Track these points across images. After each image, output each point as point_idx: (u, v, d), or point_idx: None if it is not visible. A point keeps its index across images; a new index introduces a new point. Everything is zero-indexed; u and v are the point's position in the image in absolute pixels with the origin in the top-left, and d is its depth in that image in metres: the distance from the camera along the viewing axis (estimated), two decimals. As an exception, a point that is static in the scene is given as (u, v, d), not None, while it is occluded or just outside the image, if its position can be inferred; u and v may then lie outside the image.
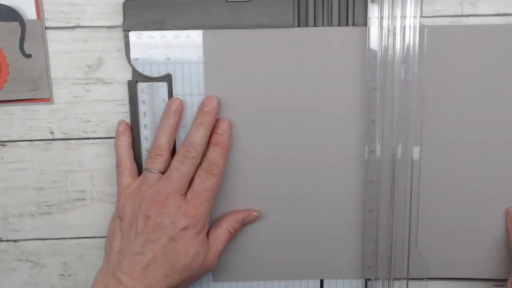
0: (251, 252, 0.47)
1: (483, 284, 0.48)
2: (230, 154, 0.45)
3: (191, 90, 0.44)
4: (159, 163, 0.42)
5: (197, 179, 0.42)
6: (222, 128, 0.43)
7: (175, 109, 0.43)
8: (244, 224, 0.45)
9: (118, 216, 0.42)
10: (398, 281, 0.46)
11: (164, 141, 0.42)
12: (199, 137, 0.42)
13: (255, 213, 0.45)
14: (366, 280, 0.48)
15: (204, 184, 0.41)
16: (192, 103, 0.44)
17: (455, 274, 0.48)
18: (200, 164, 0.42)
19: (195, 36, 0.43)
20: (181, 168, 0.41)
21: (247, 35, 0.43)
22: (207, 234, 0.43)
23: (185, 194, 0.41)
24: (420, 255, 0.46)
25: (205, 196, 0.41)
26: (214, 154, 0.42)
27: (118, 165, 0.44)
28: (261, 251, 0.47)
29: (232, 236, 0.45)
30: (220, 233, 0.44)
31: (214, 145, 0.42)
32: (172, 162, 0.42)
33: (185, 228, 0.40)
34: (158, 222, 0.40)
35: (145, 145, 0.45)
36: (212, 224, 0.45)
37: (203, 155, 0.42)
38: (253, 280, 0.48)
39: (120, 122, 0.44)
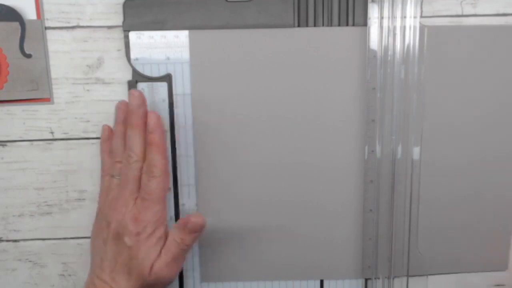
0: (251, 252, 0.47)
1: (483, 282, 0.49)
2: (229, 155, 0.45)
3: (191, 90, 0.44)
4: (117, 170, 0.42)
5: (141, 184, 0.41)
6: (150, 126, 0.40)
7: (121, 115, 0.43)
8: (190, 232, 0.42)
9: (96, 216, 0.44)
10: (398, 279, 0.46)
11: (118, 148, 0.42)
12: (135, 140, 0.41)
13: (193, 219, 0.41)
14: (366, 280, 0.48)
15: (147, 187, 0.40)
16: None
17: (455, 271, 0.48)
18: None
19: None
20: (127, 174, 0.41)
21: (247, 35, 0.43)
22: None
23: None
24: (420, 255, 0.46)
25: (150, 200, 0.40)
26: (151, 155, 0.40)
27: (102, 169, 0.44)
28: (261, 251, 0.47)
29: (184, 246, 0.42)
30: (170, 244, 0.42)
31: (149, 145, 0.41)
32: (121, 168, 0.42)
33: (137, 234, 0.40)
34: (115, 229, 0.41)
35: (145, 145, 0.45)
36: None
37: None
38: (253, 280, 0.48)
39: (103, 127, 0.44)
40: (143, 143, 0.41)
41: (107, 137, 0.44)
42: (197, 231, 0.42)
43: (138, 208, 0.41)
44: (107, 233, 0.41)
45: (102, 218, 0.42)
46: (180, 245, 0.42)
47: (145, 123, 0.41)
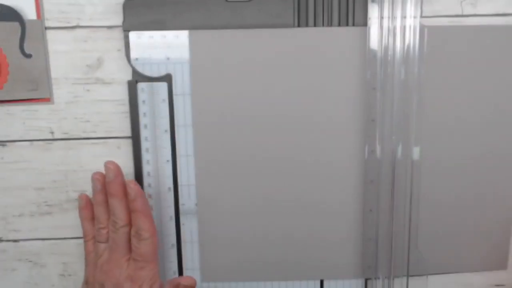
0: (251, 252, 0.47)
1: (483, 282, 0.49)
2: (229, 155, 0.45)
3: (191, 90, 0.44)
4: (102, 236, 0.43)
5: (132, 246, 0.42)
6: (131, 194, 0.42)
7: (98, 185, 0.43)
8: None
9: (85, 281, 0.44)
10: (398, 279, 0.46)
11: (101, 215, 0.43)
12: (117, 207, 0.42)
13: (183, 282, 0.45)
14: (366, 280, 0.48)
15: (138, 250, 0.42)
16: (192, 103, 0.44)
17: (455, 271, 0.48)
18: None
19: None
20: (115, 239, 0.42)
21: (247, 35, 0.43)
22: None
23: (130, 258, 0.42)
24: (420, 255, 0.46)
25: (143, 261, 0.42)
26: (137, 220, 0.42)
27: (84, 235, 0.45)
28: (261, 251, 0.47)
29: None
30: None
31: (133, 212, 0.42)
32: (108, 233, 0.43)
33: None
34: None
35: (145, 145, 0.45)
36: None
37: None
38: (253, 280, 0.48)
39: (80, 196, 0.45)
40: (125, 209, 0.42)
41: (85, 205, 0.45)
42: None
43: (132, 268, 0.42)
44: None
45: (93, 283, 0.43)
46: None
47: (124, 191, 0.42)
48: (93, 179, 0.44)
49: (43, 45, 0.43)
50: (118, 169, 0.43)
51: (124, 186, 0.42)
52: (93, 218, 0.45)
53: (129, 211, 0.42)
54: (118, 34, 0.43)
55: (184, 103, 0.44)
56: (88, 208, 0.45)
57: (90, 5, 0.43)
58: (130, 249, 0.43)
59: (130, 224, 0.43)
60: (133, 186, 0.42)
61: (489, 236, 0.47)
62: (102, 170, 0.46)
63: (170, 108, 0.44)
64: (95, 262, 0.43)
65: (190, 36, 0.43)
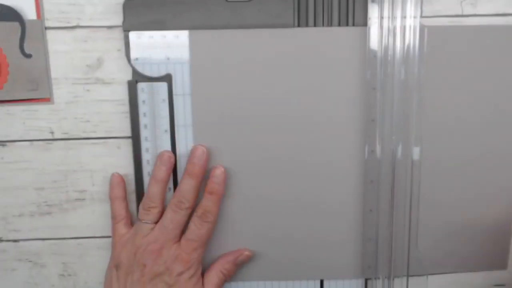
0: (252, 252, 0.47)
1: (483, 282, 0.49)
2: (229, 155, 0.45)
3: (191, 90, 0.44)
4: (152, 215, 0.43)
5: (191, 226, 0.43)
6: (218, 177, 0.43)
7: (165, 161, 0.44)
8: (237, 264, 0.46)
9: (114, 265, 0.43)
10: (398, 279, 0.46)
11: (157, 193, 0.43)
12: (190, 188, 0.43)
13: (246, 253, 0.46)
14: (366, 280, 0.48)
15: (198, 230, 0.43)
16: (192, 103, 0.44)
17: (455, 271, 0.48)
18: (194, 210, 0.43)
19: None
20: (174, 219, 0.42)
21: (247, 35, 0.43)
22: (202, 276, 0.44)
23: (179, 240, 0.43)
24: (420, 255, 0.46)
25: (199, 242, 0.43)
26: (209, 202, 0.43)
27: (113, 216, 0.45)
28: (261, 251, 0.47)
29: (227, 277, 0.45)
30: (213, 275, 0.45)
31: (209, 193, 0.43)
32: (165, 211, 0.43)
33: (180, 274, 0.42)
34: (154, 270, 0.42)
35: (145, 145, 0.45)
36: (207, 267, 0.46)
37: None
38: (253, 280, 0.48)
39: (113, 175, 0.45)
40: (197, 193, 0.43)
41: (118, 183, 0.45)
42: (244, 263, 0.46)
43: (184, 249, 0.42)
44: (139, 275, 0.42)
45: (130, 264, 0.42)
46: (225, 276, 0.45)
47: (203, 177, 0.43)
48: (164, 156, 0.43)
49: (43, 45, 0.43)
50: (207, 153, 0.44)
51: (204, 171, 0.43)
52: (125, 197, 0.45)
53: (197, 196, 0.43)
54: (118, 34, 0.43)
55: (184, 103, 0.44)
56: (121, 187, 0.45)
57: (90, 5, 0.43)
58: (181, 232, 0.43)
59: (193, 208, 0.43)
60: (223, 170, 0.44)
61: (489, 236, 0.47)
62: (102, 170, 0.46)
63: (170, 108, 0.44)
64: (136, 242, 0.42)
65: (190, 36, 0.43)
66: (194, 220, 0.43)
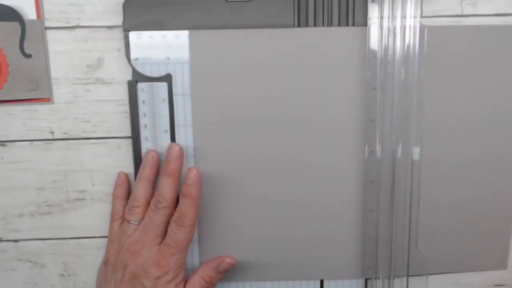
0: (251, 252, 0.47)
1: (482, 282, 0.49)
2: (229, 155, 0.45)
3: (191, 90, 0.44)
4: (135, 215, 0.43)
5: (169, 231, 0.43)
6: (191, 179, 0.43)
7: (148, 160, 0.44)
8: (220, 271, 0.45)
9: (104, 261, 0.44)
10: (398, 279, 0.46)
11: (140, 193, 0.43)
12: (167, 187, 0.42)
13: (228, 260, 0.45)
14: (366, 280, 0.48)
15: (175, 236, 0.42)
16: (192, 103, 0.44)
17: (455, 271, 0.48)
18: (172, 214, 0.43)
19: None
20: (154, 218, 0.42)
21: (247, 35, 0.43)
22: (186, 282, 0.44)
23: (161, 242, 0.43)
24: (420, 255, 0.46)
25: (176, 248, 0.42)
26: (184, 206, 0.42)
27: (112, 214, 0.45)
28: (261, 251, 0.47)
29: (209, 285, 0.45)
30: (195, 282, 0.44)
31: (184, 197, 0.43)
32: (147, 212, 0.43)
33: (157, 278, 0.42)
34: (133, 271, 0.42)
35: (145, 145, 0.45)
36: (191, 272, 0.45)
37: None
38: (253, 280, 0.48)
39: (119, 174, 0.45)
40: (174, 191, 0.43)
41: (122, 183, 0.45)
42: (228, 271, 0.45)
43: (162, 253, 0.42)
44: (122, 275, 0.42)
45: (115, 262, 0.43)
46: (207, 283, 0.44)
47: (180, 174, 0.43)
48: (148, 155, 0.43)
49: (43, 45, 0.43)
50: (182, 151, 0.43)
51: (181, 171, 0.43)
52: (126, 198, 0.45)
53: (176, 195, 0.43)
54: (118, 34, 0.43)
55: (184, 103, 0.44)
56: (124, 187, 0.45)
57: (90, 5, 0.43)
58: (164, 233, 0.42)
59: (172, 208, 0.42)
60: (196, 172, 0.43)
61: (489, 236, 0.47)
62: (102, 170, 0.46)
63: (170, 108, 0.44)
64: (121, 241, 0.43)
65: (190, 36, 0.43)
66: (171, 225, 0.42)
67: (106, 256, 0.44)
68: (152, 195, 0.44)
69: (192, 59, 0.43)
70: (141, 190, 0.43)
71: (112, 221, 0.45)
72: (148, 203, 0.43)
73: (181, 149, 0.43)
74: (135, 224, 0.43)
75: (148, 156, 0.44)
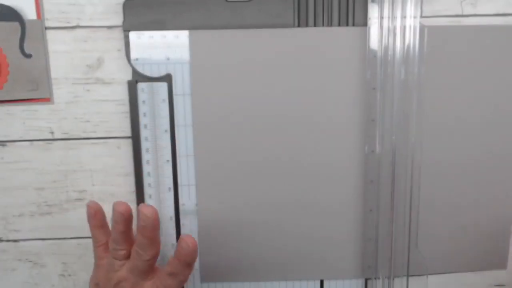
0: (251, 252, 0.47)
1: (482, 282, 0.49)
2: (229, 155, 0.45)
3: (191, 90, 0.44)
4: (120, 256, 0.42)
5: (159, 275, 0.42)
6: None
7: (121, 218, 0.41)
8: (182, 260, 0.41)
9: (95, 283, 0.43)
10: (398, 279, 0.46)
11: (121, 239, 0.41)
12: (146, 246, 0.40)
13: (185, 240, 0.41)
14: (366, 280, 0.48)
15: (165, 281, 0.41)
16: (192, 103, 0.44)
17: (455, 271, 0.48)
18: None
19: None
20: (139, 266, 0.41)
21: (247, 35, 0.43)
22: None
23: (153, 275, 0.42)
24: (420, 255, 0.46)
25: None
26: (169, 281, 0.41)
27: (94, 241, 0.44)
28: (261, 251, 0.47)
29: (177, 282, 0.42)
30: None
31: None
32: (131, 256, 0.42)
33: None
34: None
35: (145, 145, 0.45)
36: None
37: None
38: (253, 281, 0.48)
39: (88, 205, 0.43)
40: (155, 248, 0.41)
41: (94, 214, 0.43)
42: (189, 257, 0.41)
43: (161, 280, 0.41)
44: None
45: (107, 286, 0.42)
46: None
47: (157, 234, 0.41)
48: (117, 212, 0.41)
49: (43, 45, 0.43)
50: (156, 215, 0.40)
51: (156, 231, 0.41)
52: (103, 225, 0.44)
53: (156, 249, 0.41)
54: (118, 34, 0.43)
55: (184, 103, 0.44)
56: (98, 217, 0.43)
57: (90, 5, 0.43)
58: (153, 273, 0.42)
59: (156, 256, 0.42)
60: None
61: (489, 236, 0.47)
62: (102, 171, 0.46)
63: (170, 108, 0.44)
64: (109, 275, 0.42)
65: (190, 36, 0.43)
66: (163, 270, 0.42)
67: (97, 279, 0.43)
68: (130, 236, 0.42)
69: (192, 59, 0.43)
70: (121, 237, 0.42)
71: (96, 247, 0.44)
72: (129, 244, 0.42)
73: (155, 213, 0.40)
74: (120, 261, 0.42)
75: (117, 215, 0.41)
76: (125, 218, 0.41)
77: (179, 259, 0.41)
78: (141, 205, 0.41)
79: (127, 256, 0.42)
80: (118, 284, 0.42)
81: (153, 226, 0.41)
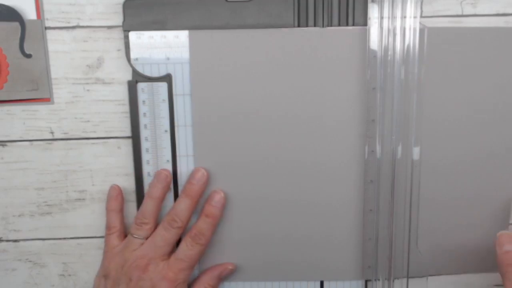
0: (252, 252, 0.47)
1: (482, 283, 0.49)
2: (229, 155, 0.45)
3: (191, 90, 0.44)
4: (144, 231, 0.43)
5: (183, 246, 0.43)
6: (216, 199, 0.44)
7: (162, 180, 0.44)
8: (222, 278, 0.46)
9: (103, 275, 0.43)
10: (398, 280, 0.46)
11: (150, 210, 0.43)
12: (185, 208, 0.43)
13: (230, 267, 0.46)
14: (366, 281, 0.48)
15: (189, 251, 0.43)
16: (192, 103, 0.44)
17: (455, 272, 0.48)
18: (187, 231, 0.43)
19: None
20: (165, 236, 0.43)
21: (247, 35, 0.43)
22: None
23: (167, 258, 0.43)
24: (420, 255, 0.46)
25: (188, 263, 0.43)
26: (204, 224, 0.43)
27: (108, 227, 0.45)
28: (261, 251, 0.47)
29: None
30: None
31: (205, 216, 0.43)
32: (157, 228, 0.43)
33: None
34: (139, 285, 0.42)
35: (145, 145, 0.45)
36: (192, 281, 0.46)
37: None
38: (253, 281, 0.48)
39: (112, 187, 0.45)
40: (190, 214, 0.43)
41: (116, 196, 0.45)
42: (228, 276, 0.46)
43: (171, 268, 0.42)
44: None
45: (117, 276, 0.42)
46: None
47: (199, 198, 0.44)
48: (161, 174, 0.44)
49: (43, 45, 0.43)
50: (206, 176, 0.44)
51: (202, 194, 0.44)
52: (121, 210, 0.45)
53: (191, 217, 0.43)
54: (118, 34, 0.43)
55: (184, 103, 0.44)
56: (118, 200, 0.45)
57: (90, 5, 0.43)
58: (172, 250, 0.43)
59: (184, 228, 0.43)
60: (223, 195, 0.44)
61: (489, 236, 0.47)
62: (102, 170, 0.46)
63: (170, 108, 0.44)
64: (125, 256, 0.43)
65: (190, 36, 0.43)
66: (187, 240, 0.43)
67: (106, 271, 0.43)
68: (159, 213, 0.44)
69: (192, 59, 0.43)
70: (151, 208, 0.43)
71: (108, 234, 0.45)
72: (155, 221, 0.44)
73: (207, 174, 0.44)
74: (140, 239, 0.43)
75: (162, 175, 0.44)
76: (168, 182, 0.44)
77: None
78: (196, 168, 0.44)
79: (150, 234, 0.43)
80: (133, 263, 0.42)
81: (201, 188, 0.44)
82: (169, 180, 0.44)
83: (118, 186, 0.45)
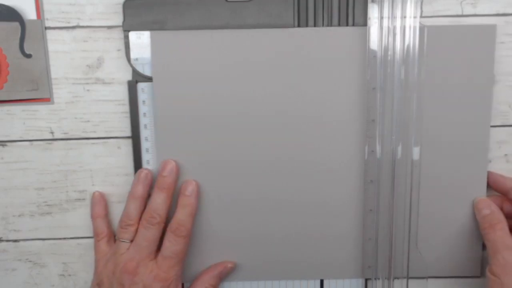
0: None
1: (482, 282, 0.49)
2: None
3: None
4: (129, 233, 0.43)
5: (166, 243, 0.43)
6: (189, 189, 0.43)
7: (142, 179, 0.44)
8: (222, 277, 0.46)
9: (97, 283, 0.43)
10: (398, 280, 0.46)
11: (134, 211, 0.43)
12: (161, 202, 0.43)
13: (229, 265, 0.46)
14: (366, 280, 0.48)
15: (173, 246, 0.42)
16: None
17: (455, 273, 0.48)
18: (167, 226, 0.43)
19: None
20: (147, 235, 0.42)
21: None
22: None
23: (155, 257, 0.43)
24: (420, 255, 0.46)
25: (175, 259, 0.42)
26: (182, 216, 0.43)
27: (96, 234, 0.45)
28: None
29: None
30: None
31: (182, 207, 0.43)
32: (138, 229, 0.43)
33: None
34: None
35: (145, 145, 0.45)
36: (193, 281, 0.46)
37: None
38: (253, 280, 0.48)
39: (93, 194, 0.45)
40: (168, 208, 0.43)
41: (99, 201, 0.45)
42: (228, 275, 0.46)
43: (161, 267, 0.42)
44: None
45: (110, 283, 0.42)
46: None
47: (174, 190, 0.43)
48: (141, 173, 0.44)
49: (43, 45, 0.43)
50: (176, 167, 0.43)
51: (175, 185, 0.43)
52: (106, 215, 0.45)
53: (169, 211, 0.43)
54: (118, 34, 0.43)
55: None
56: (102, 205, 0.45)
57: (90, 5, 0.43)
58: (157, 248, 0.43)
59: (164, 223, 0.43)
60: (195, 183, 0.44)
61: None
62: (102, 170, 0.46)
63: (170, 108, 0.44)
64: (115, 261, 0.42)
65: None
66: (169, 236, 0.42)
67: (98, 278, 0.43)
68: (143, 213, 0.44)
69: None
70: (135, 208, 0.43)
71: (97, 240, 0.45)
72: (139, 218, 0.43)
73: (177, 165, 0.44)
74: (126, 242, 0.43)
75: (142, 174, 0.44)
76: (149, 179, 0.43)
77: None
78: (165, 160, 0.44)
79: (134, 236, 0.43)
80: (123, 268, 0.42)
81: (173, 180, 0.43)
82: (149, 178, 0.44)
83: (99, 192, 0.45)
